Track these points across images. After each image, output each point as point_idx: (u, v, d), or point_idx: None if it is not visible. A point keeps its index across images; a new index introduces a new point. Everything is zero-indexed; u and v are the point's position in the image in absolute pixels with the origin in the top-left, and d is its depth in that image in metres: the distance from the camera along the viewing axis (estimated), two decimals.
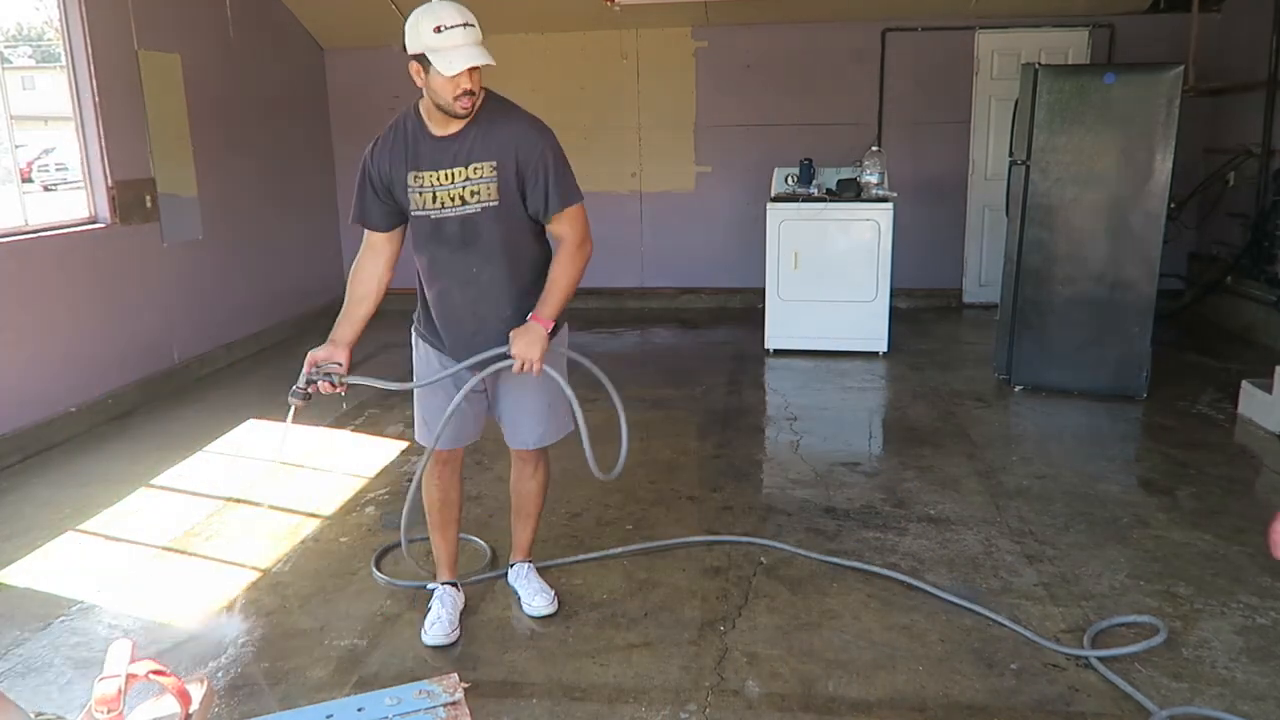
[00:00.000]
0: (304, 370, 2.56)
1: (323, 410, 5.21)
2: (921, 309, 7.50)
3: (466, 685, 2.52)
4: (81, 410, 4.95)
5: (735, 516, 3.66)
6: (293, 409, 2.57)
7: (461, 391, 2.54)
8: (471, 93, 2.42)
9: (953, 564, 3.23)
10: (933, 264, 7.59)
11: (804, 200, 6.08)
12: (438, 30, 2.37)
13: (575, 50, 7.67)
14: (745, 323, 7.04)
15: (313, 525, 3.70)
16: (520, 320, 2.53)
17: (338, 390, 2.58)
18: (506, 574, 3.09)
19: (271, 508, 3.89)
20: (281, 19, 7.23)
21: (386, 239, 2.67)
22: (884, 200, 5.95)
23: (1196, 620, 2.83)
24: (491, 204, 2.50)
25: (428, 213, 2.54)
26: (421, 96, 2.53)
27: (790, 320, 6.14)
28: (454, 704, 2.42)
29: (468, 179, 2.49)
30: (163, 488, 4.16)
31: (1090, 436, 4.58)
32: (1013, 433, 4.73)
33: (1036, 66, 4.95)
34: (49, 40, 6.25)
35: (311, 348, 2.63)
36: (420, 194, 2.52)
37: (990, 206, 7.28)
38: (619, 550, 3.36)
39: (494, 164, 2.47)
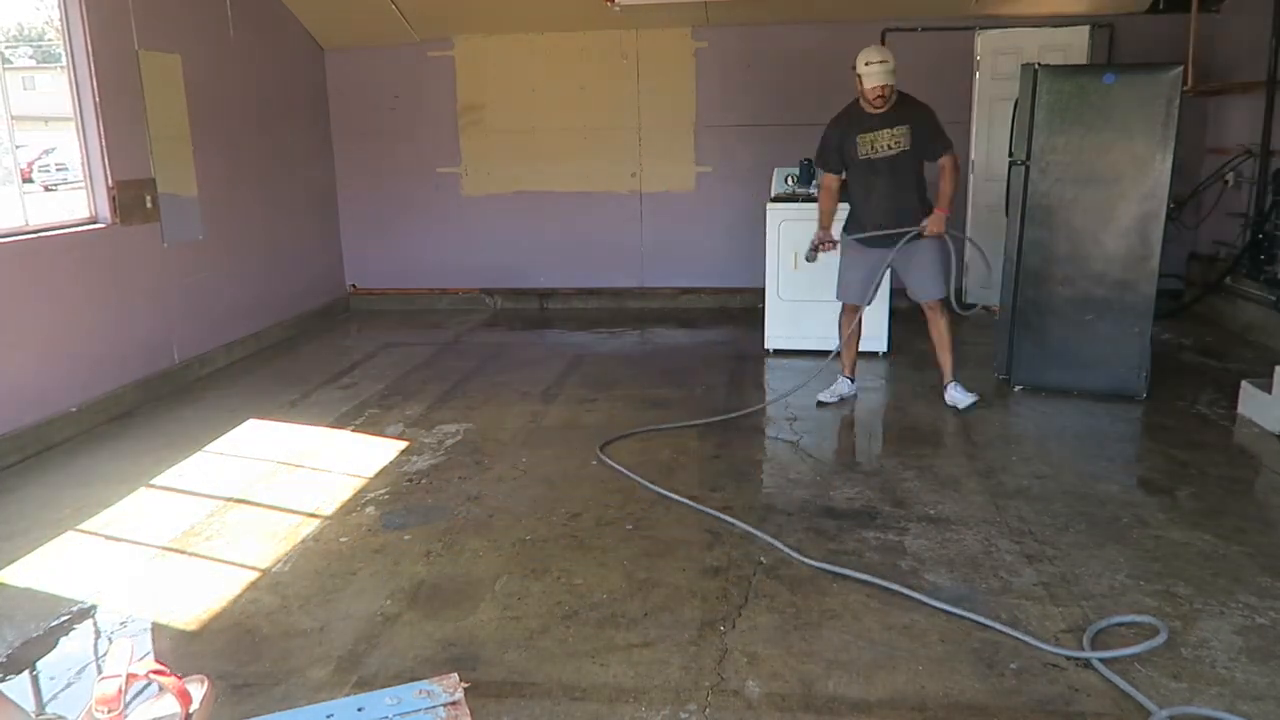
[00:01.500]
0: (811, 245, 4.98)
1: (323, 410, 5.22)
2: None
3: (466, 685, 2.52)
4: (81, 410, 4.95)
5: (735, 516, 3.66)
6: (807, 258, 5.03)
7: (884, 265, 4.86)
8: (881, 96, 4.58)
9: (952, 564, 3.23)
10: None
11: (804, 200, 6.08)
12: (867, 64, 4.56)
13: (575, 50, 7.66)
14: (745, 323, 7.04)
15: (313, 525, 3.70)
16: (914, 213, 4.71)
17: (834, 250, 4.98)
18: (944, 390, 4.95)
19: (271, 508, 3.90)
20: (281, 19, 7.23)
21: (837, 179, 4.92)
22: None
23: (1196, 620, 2.83)
24: (905, 149, 4.66)
25: (869, 156, 4.70)
26: (857, 96, 4.70)
27: (790, 320, 6.14)
28: (454, 704, 2.42)
29: (892, 134, 4.65)
30: (163, 488, 4.16)
31: (1090, 436, 4.58)
32: (1013, 433, 4.73)
33: (1036, 66, 4.95)
34: (49, 40, 6.25)
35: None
36: (864, 145, 4.69)
37: (990, 206, 7.28)
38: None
39: (907, 126, 4.64)
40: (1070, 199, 4.95)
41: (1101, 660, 2.59)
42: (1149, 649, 2.63)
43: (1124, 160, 4.81)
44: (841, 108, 4.89)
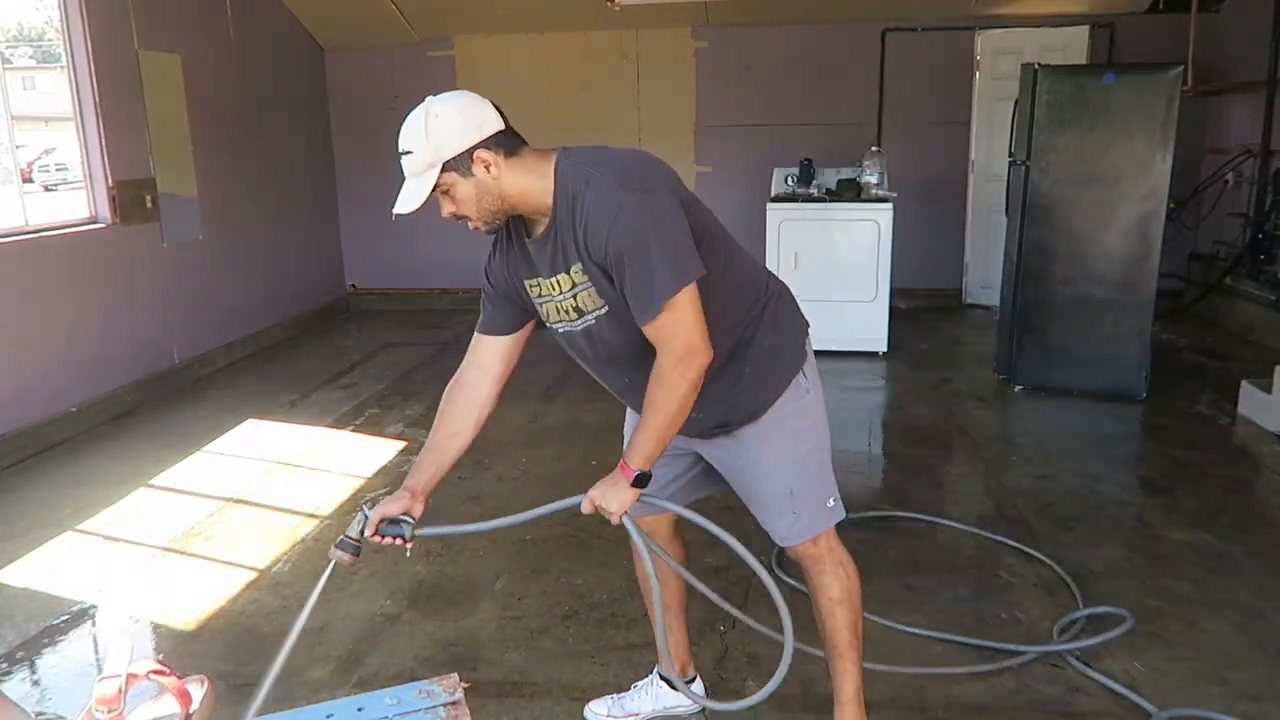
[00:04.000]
0: (363, 519, 1.93)
1: (323, 410, 5.21)
2: (922, 309, 7.50)
3: (466, 685, 2.51)
4: (81, 410, 4.95)
5: (735, 517, 3.63)
6: (333, 562, 1.95)
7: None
8: (460, 216, 1.89)
9: (952, 565, 3.23)
10: (933, 264, 7.59)
11: (804, 200, 6.09)
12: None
13: (575, 50, 7.66)
14: None
15: (313, 525, 3.70)
16: (705, 414, 2.02)
17: (407, 545, 1.96)
18: None
19: (271, 508, 3.89)
20: (281, 19, 7.23)
21: (500, 349, 2.13)
22: (884, 200, 5.95)
23: (1197, 620, 2.83)
24: (601, 311, 1.90)
25: (554, 326, 2.05)
26: None
27: None
28: (454, 704, 2.41)
29: (574, 286, 1.89)
30: (163, 488, 4.16)
31: (1090, 436, 4.58)
32: (1013, 433, 4.73)
33: (1036, 66, 4.94)
34: (49, 40, 6.25)
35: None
36: (541, 306, 2.02)
37: (990, 206, 7.28)
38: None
39: (579, 265, 1.85)
40: (1070, 199, 4.94)
41: (1080, 650, 2.60)
42: (1112, 638, 2.63)
43: (1124, 160, 4.81)
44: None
